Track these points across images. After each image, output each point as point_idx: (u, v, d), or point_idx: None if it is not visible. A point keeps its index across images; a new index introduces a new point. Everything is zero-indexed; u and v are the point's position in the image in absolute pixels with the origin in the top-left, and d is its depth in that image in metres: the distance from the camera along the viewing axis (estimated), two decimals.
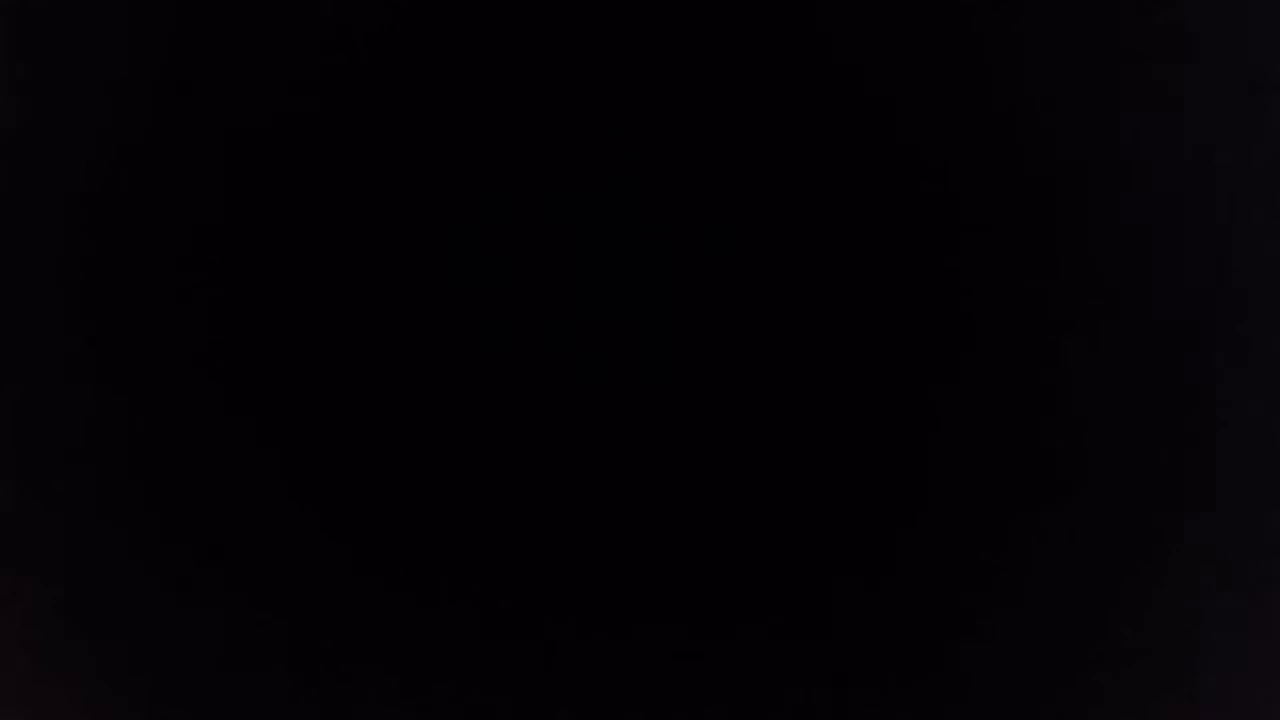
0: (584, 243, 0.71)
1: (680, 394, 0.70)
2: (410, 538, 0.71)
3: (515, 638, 0.71)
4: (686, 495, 0.70)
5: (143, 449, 0.71)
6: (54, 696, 0.72)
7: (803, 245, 0.70)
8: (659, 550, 0.70)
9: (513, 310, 0.71)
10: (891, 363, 0.70)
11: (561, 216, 0.71)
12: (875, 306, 0.70)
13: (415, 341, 0.71)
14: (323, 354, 0.71)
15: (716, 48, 0.71)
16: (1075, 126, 0.70)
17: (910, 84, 0.70)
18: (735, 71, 0.70)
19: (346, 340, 0.71)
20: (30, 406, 0.72)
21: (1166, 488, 0.70)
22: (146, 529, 0.71)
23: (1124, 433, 0.70)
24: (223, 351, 0.71)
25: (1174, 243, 0.70)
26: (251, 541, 0.71)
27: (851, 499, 0.70)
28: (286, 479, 0.71)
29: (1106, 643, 0.70)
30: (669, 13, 0.71)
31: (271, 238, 0.71)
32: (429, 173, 0.71)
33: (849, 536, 0.70)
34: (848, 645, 0.70)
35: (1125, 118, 0.71)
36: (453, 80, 0.71)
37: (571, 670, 0.71)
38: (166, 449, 0.71)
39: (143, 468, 0.71)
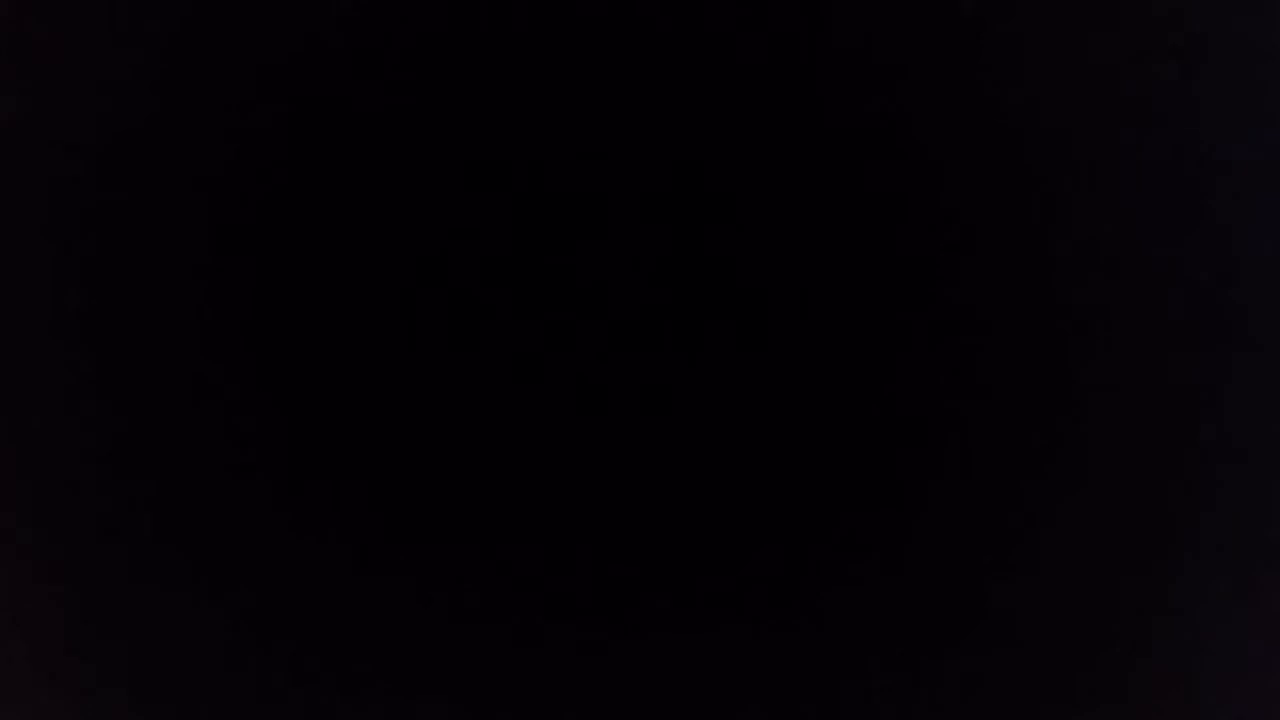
0: (584, 243, 0.71)
1: (682, 391, 0.70)
2: (409, 539, 0.71)
3: (516, 637, 0.71)
4: (687, 495, 0.70)
5: (143, 449, 0.71)
6: (54, 696, 0.72)
7: (805, 244, 0.70)
8: (659, 551, 0.70)
9: (512, 310, 0.71)
10: (892, 362, 0.70)
11: (563, 214, 0.71)
12: (876, 305, 0.70)
13: (412, 341, 0.71)
14: (323, 354, 0.71)
15: (716, 46, 0.71)
16: (1077, 125, 0.71)
17: (914, 81, 0.70)
18: (737, 71, 0.71)
19: (346, 340, 0.71)
20: (29, 406, 0.72)
21: (1168, 487, 0.70)
22: (147, 529, 0.71)
23: (1125, 432, 0.70)
24: (224, 351, 0.71)
25: (1176, 241, 0.70)
26: (252, 541, 0.71)
27: (851, 497, 0.70)
28: (287, 479, 0.71)
29: (1107, 642, 0.70)
30: (666, 12, 0.71)
31: (270, 237, 0.71)
32: (426, 173, 0.71)
33: (849, 535, 0.70)
34: (849, 645, 0.70)
35: (1126, 116, 0.71)
36: (445, 77, 0.71)
37: (573, 671, 0.71)
38: (167, 449, 0.71)
39: (143, 467, 0.71)
